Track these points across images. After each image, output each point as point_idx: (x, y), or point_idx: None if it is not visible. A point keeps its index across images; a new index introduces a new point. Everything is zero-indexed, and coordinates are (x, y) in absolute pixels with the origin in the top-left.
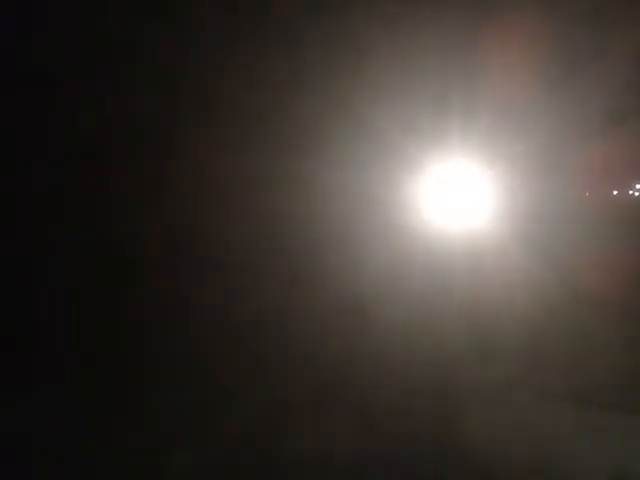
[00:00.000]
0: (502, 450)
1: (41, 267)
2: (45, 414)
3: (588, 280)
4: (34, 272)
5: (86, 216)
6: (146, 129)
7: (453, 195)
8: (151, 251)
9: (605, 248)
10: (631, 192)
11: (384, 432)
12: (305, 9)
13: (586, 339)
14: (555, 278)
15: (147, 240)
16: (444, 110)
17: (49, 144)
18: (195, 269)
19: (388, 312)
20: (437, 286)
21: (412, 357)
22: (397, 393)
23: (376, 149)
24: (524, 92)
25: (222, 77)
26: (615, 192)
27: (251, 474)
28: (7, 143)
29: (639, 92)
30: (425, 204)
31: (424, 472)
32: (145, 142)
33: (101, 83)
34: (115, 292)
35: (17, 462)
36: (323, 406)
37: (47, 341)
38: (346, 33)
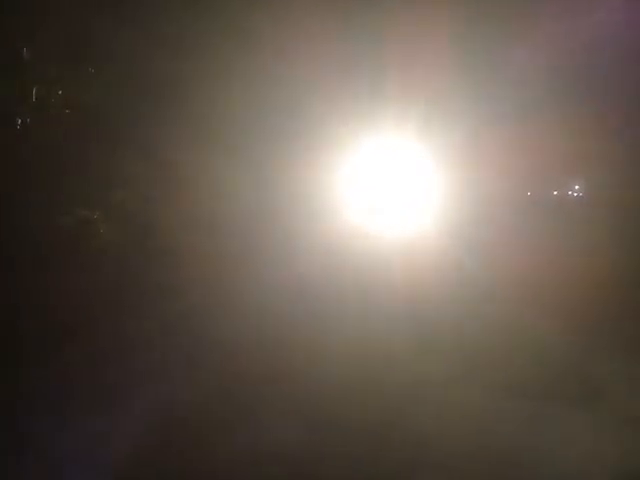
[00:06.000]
0: (447, 443)
1: None
2: None
3: (527, 278)
4: None
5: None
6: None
7: (383, 189)
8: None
9: (544, 246)
10: (570, 192)
11: (326, 427)
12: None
13: (524, 334)
14: (491, 275)
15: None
16: (378, 102)
17: None
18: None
19: (325, 307)
20: (371, 282)
21: (352, 354)
22: (338, 391)
23: (309, 139)
24: (457, 91)
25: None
26: (555, 192)
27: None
28: None
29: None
30: (355, 198)
31: (370, 467)
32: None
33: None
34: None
35: None
36: (261, 400)
37: None
38: (281, 20)
